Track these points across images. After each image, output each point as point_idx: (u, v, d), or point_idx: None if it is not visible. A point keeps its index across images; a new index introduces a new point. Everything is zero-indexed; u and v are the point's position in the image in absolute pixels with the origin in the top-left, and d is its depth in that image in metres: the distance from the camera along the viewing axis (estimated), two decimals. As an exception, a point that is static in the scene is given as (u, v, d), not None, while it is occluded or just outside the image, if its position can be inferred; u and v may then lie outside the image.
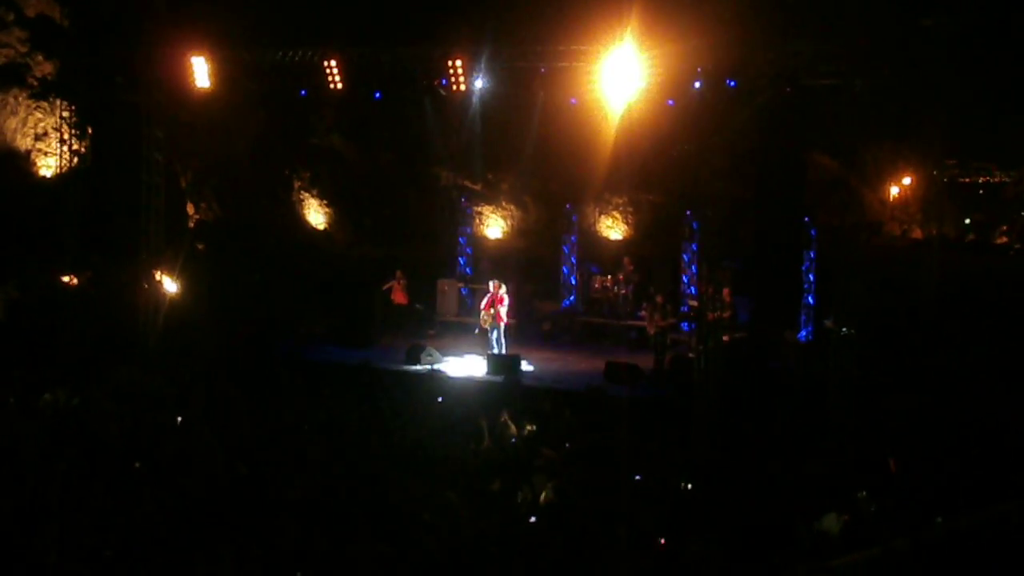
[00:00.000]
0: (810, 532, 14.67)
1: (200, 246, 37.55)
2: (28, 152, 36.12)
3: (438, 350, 27.56)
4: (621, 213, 36.80)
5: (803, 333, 28.65)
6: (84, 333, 28.25)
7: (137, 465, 17.31)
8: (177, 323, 29.06)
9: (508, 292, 27.70)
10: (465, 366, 27.07)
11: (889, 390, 22.66)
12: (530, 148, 33.05)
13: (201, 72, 28.20)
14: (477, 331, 28.32)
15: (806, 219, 28.71)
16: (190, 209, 39.20)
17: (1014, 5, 32.20)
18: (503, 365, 25.86)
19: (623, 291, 30.72)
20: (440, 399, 23.27)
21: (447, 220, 35.62)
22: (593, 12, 25.89)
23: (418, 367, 26.52)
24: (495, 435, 19.80)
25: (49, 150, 35.29)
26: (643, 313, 29.17)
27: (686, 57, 24.35)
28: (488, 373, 25.80)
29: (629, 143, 29.76)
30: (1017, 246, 48.01)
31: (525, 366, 26.74)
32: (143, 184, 28.71)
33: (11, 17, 35.55)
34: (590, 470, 17.53)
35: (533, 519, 15.33)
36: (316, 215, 39.31)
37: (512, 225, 37.96)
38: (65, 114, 31.48)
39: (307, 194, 39.33)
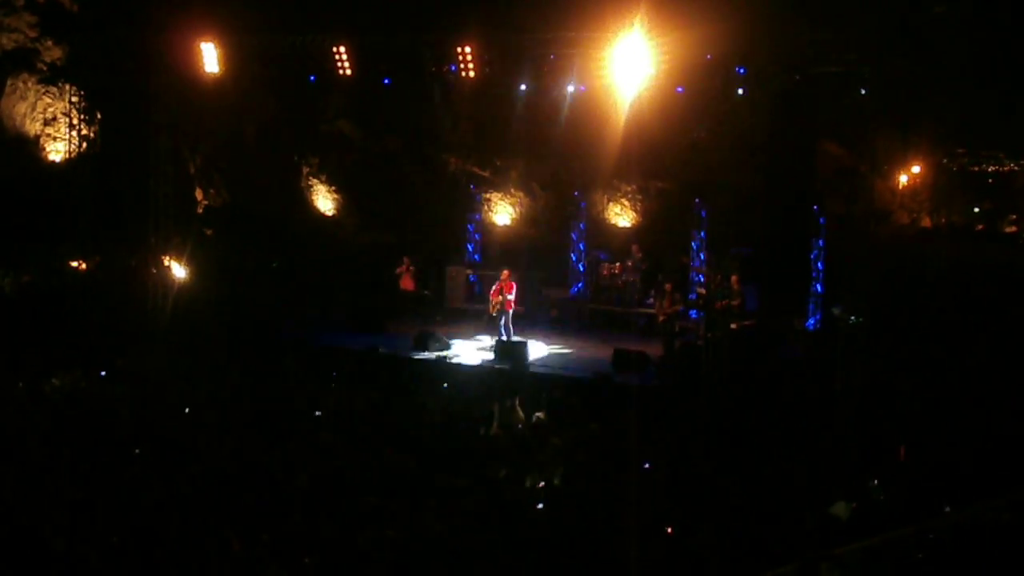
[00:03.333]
0: (818, 520, 14.68)
1: (208, 231, 37.56)
2: (37, 137, 36.12)
3: (446, 336, 27.57)
4: (630, 200, 36.76)
5: (811, 321, 28.64)
6: (93, 318, 28.30)
7: (145, 450, 17.36)
8: (185, 308, 29.10)
9: (516, 279, 27.72)
10: (473, 353, 27.07)
11: (897, 378, 22.63)
12: (539, 135, 33.03)
13: (210, 57, 28.19)
14: (486, 318, 28.33)
15: (815, 207, 28.68)
16: (199, 194, 39.18)
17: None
18: (511, 352, 25.85)
19: (631, 278, 30.70)
20: (445, 385, 23.28)
21: (456, 207, 35.62)
22: (603, -1, 25.85)
23: (426, 353, 26.53)
24: (503, 422, 19.83)
25: (58, 135, 35.31)
26: (651, 300, 29.17)
27: (696, 45, 24.31)
28: (496, 360, 25.79)
29: (638, 130, 29.68)
30: (1026, 235, 47.93)
31: (540, 350, 26.68)
32: (152, 169, 28.74)
33: (20, 2, 35.51)
34: (598, 457, 17.54)
35: (540, 506, 15.36)
36: (324, 201, 39.31)
37: (520, 212, 37.92)
38: (74, 99, 31.54)
39: (315, 180, 39.33)
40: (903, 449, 17.70)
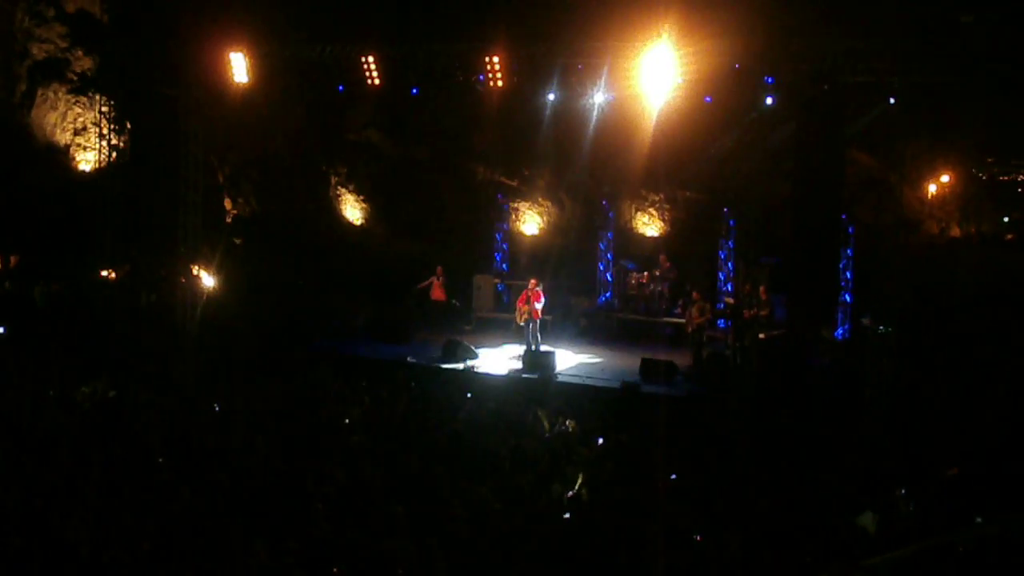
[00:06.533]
0: (846, 530, 14.61)
1: (237, 241, 37.71)
2: (67, 147, 36.41)
3: (474, 346, 27.57)
4: (658, 210, 36.67)
5: (840, 331, 28.55)
6: (122, 327, 28.44)
7: (174, 458, 17.41)
8: (214, 317, 29.19)
9: (544, 288, 27.70)
10: (501, 362, 27.06)
11: (927, 388, 22.51)
12: (566, 144, 33.01)
13: (239, 67, 28.32)
14: (514, 327, 28.32)
15: (844, 216, 28.59)
16: (227, 204, 39.36)
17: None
18: (539, 361, 25.85)
19: (659, 288, 30.66)
20: (469, 395, 23.27)
21: (484, 216, 35.66)
22: (630, 9, 25.82)
23: (454, 363, 26.54)
24: (530, 431, 19.81)
25: (88, 145, 35.58)
26: (679, 310, 29.11)
27: (723, 54, 24.28)
28: (524, 369, 25.80)
29: (666, 140, 29.65)
30: (1056, 245, 47.53)
31: (567, 360, 26.66)
32: (181, 179, 28.88)
33: (51, 13, 35.86)
34: (625, 467, 17.51)
35: (568, 515, 15.33)
36: (353, 210, 39.39)
37: (548, 221, 37.92)
38: (104, 109, 31.74)
39: (344, 189, 39.42)
40: (955, 470, 17.50)
